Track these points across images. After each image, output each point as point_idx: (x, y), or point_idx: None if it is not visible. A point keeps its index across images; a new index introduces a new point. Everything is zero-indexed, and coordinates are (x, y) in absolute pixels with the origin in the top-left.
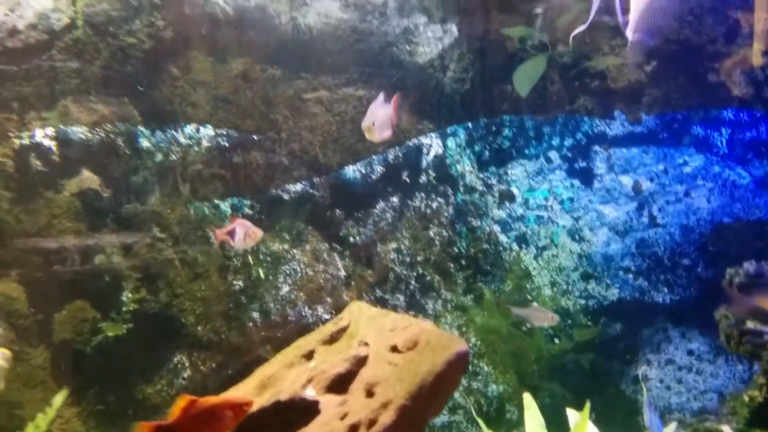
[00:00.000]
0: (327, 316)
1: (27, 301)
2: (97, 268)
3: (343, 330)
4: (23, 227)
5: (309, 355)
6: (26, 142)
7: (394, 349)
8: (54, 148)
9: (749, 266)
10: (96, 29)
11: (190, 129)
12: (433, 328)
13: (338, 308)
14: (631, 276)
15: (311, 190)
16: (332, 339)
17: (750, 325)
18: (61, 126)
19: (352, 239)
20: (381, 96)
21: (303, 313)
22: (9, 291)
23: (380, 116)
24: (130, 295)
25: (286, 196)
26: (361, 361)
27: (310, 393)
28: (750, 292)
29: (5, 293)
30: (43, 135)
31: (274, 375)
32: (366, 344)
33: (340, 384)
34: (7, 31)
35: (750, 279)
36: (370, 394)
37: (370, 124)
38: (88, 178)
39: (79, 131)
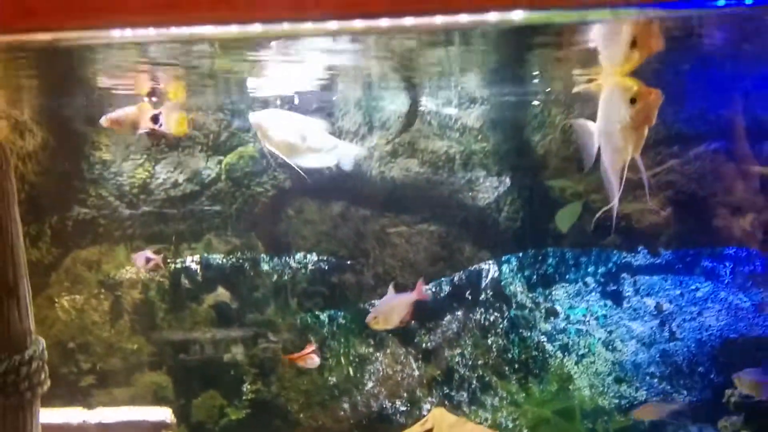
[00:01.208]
0: (403, 408)
1: (173, 389)
2: (225, 364)
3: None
4: (173, 330)
5: None
6: (179, 266)
7: None
8: (198, 271)
9: (747, 374)
10: (234, 181)
11: (299, 256)
12: None
13: (412, 402)
14: (656, 380)
15: None
16: None
17: None
18: (205, 254)
19: (424, 345)
20: (391, 288)
21: (384, 405)
22: (160, 381)
23: (384, 310)
24: (249, 386)
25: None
26: None
27: None
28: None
29: (158, 382)
30: (191, 261)
31: None
32: None
33: None
34: (171, 183)
35: (742, 398)
36: None
37: (374, 316)
38: (221, 293)
39: (217, 258)
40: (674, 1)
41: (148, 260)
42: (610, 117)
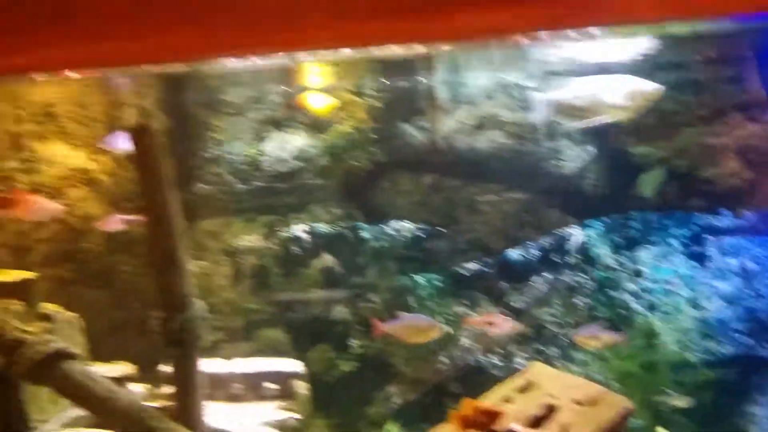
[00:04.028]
0: (497, 362)
1: (290, 343)
2: (333, 321)
3: (530, 383)
4: (286, 291)
5: (507, 399)
6: (288, 234)
7: (578, 402)
8: (306, 238)
9: None
10: (335, 157)
11: (395, 224)
12: (606, 390)
13: (505, 356)
14: (740, 335)
15: (483, 268)
16: (522, 389)
17: None
18: (310, 223)
19: (514, 304)
20: None
21: (479, 360)
22: (278, 336)
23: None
24: (355, 341)
25: (464, 272)
26: (551, 408)
27: (516, 427)
28: None
29: (275, 338)
30: (300, 230)
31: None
32: (552, 396)
33: (536, 424)
34: (277, 160)
35: None
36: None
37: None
38: (327, 259)
39: (321, 227)
40: None
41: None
42: None
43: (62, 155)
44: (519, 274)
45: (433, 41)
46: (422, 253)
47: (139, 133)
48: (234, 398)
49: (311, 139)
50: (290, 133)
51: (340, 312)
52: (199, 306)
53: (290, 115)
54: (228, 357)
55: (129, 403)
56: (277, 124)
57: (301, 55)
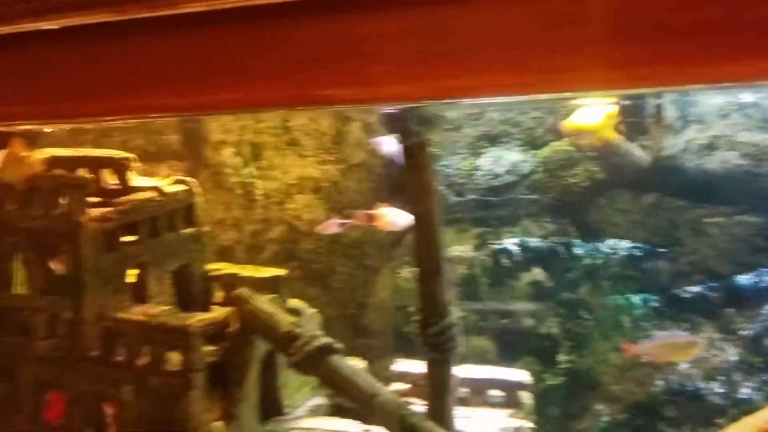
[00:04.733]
0: (719, 390)
1: (495, 352)
2: (540, 334)
3: None
4: (493, 301)
5: None
6: (499, 246)
7: None
8: (517, 252)
9: None
10: (549, 173)
11: (611, 241)
12: None
13: (728, 385)
14: None
15: (706, 292)
16: None
17: None
18: (522, 237)
19: (742, 332)
20: None
21: (697, 386)
22: (484, 345)
23: None
24: (563, 356)
25: (685, 295)
26: None
27: None
28: None
29: (482, 346)
30: (510, 243)
31: None
32: None
33: None
34: (491, 174)
35: None
36: None
37: None
38: (537, 273)
39: (533, 241)
40: None
41: (341, 224)
42: None
43: (292, 164)
44: (749, 300)
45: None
46: (639, 272)
47: (415, 148)
48: (461, 402)
49: (526, 155)
50: (506, 149)
51: (549, 326)
52: (455, 314)
53: (505, 132)
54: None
55: (390, 399)
56: (493, 140)
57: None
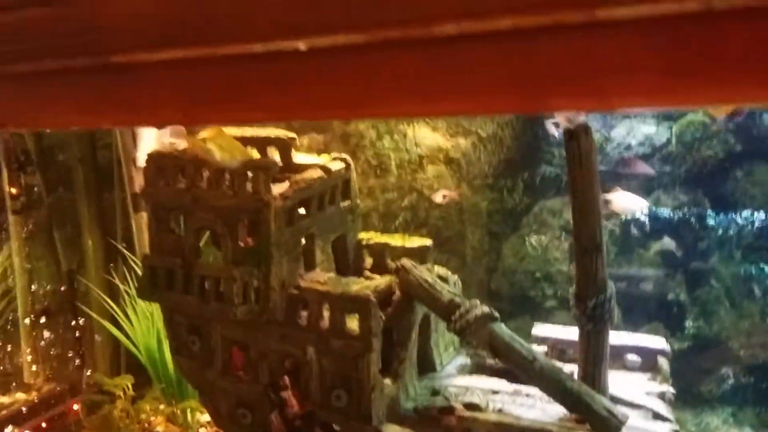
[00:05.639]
0: None
1: (621, 317)
2: (669, 301)
3: None
4: (622, 269)
5: None
6: (629, 218)
7: None
8: (646, 221)
9: None
10: (684, 145)
11: (746, 213)
12: None
13: None
14: None
15: None
16: None
17: None
18: (653, 207)
19: None
20: None
21: None
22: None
23: None
24: (690, 323)
25: None
26: None
27: None
28: None
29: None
30: (640, 212)
31: None
32: None
33: None
34: (624, 146)
35: None
36: None
37: None
38: (667, 242)
39: (664, 211)
40: None
41: (444, 196)
42: None
43: (424, 137)
44: None
45: None
46: None
47: (579, 132)
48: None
49: (661, 126)
50: (639, 121)
51: (677, 293)
52: (612, 288)
53: None
54: (563, 324)
55: (547, 363)
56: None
57: None
